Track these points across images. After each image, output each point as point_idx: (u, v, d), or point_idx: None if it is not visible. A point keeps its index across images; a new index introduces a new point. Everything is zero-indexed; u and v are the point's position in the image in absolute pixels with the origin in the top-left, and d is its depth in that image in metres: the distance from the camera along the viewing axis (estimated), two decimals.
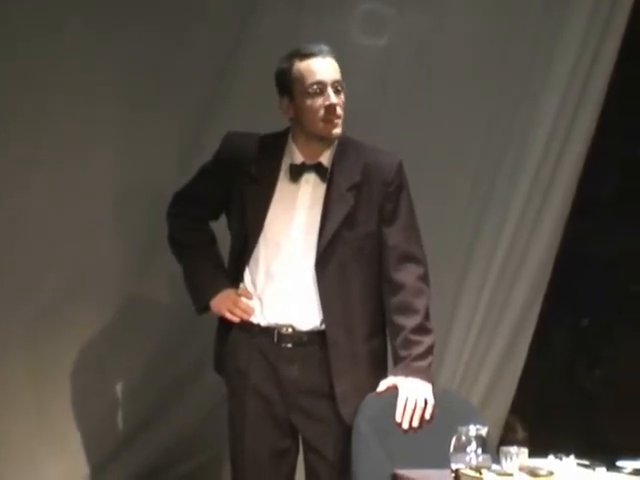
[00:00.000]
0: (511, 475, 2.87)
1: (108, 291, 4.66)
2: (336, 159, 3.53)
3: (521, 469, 2.96)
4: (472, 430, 2.96)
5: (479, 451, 2.95)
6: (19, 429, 4.64)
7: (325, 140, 3.49)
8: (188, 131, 4.67)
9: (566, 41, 5.25)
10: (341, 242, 3.47)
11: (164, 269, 4.48)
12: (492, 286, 5.01)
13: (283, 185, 3.53)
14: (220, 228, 3.84)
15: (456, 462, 2.95)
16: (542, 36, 5.27)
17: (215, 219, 3.76)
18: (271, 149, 3.57)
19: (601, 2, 5.24)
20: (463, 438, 2.96)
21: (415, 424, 3.37)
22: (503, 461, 3.02)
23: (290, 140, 3.55)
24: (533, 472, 2.94)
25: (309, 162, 3.52)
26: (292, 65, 3.47)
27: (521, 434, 5.33)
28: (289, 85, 3.48)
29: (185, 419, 4.78)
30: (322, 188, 3.51)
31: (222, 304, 3.59)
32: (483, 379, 5.05)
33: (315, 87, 3.44)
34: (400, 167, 3.56)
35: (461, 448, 2.95)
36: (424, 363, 3.43)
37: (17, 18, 4.70)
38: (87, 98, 4.72)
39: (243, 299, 3.56)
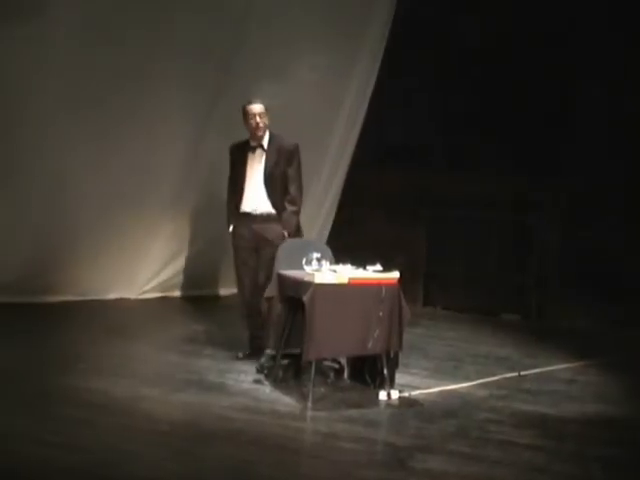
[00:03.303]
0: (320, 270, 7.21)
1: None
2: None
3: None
4: (314, 254, 7.37)
5: (316, 264, 7.25)
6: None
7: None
8: None
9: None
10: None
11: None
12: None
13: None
14: None
15: (307, 267, 7.30)
16: None
17: None
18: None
19: None
20: (311, 257, 7.34)
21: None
22: (306, 267, 7.21)
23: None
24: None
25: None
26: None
27: None
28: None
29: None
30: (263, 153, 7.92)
31: None
32: None
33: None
34: (295, 146, 8.02)
35: (309, 262, 7.34)
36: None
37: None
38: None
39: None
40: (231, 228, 8.05)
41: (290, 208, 7.94)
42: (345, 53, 11.38)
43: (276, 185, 7.92)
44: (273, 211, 7.93)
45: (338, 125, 11.80)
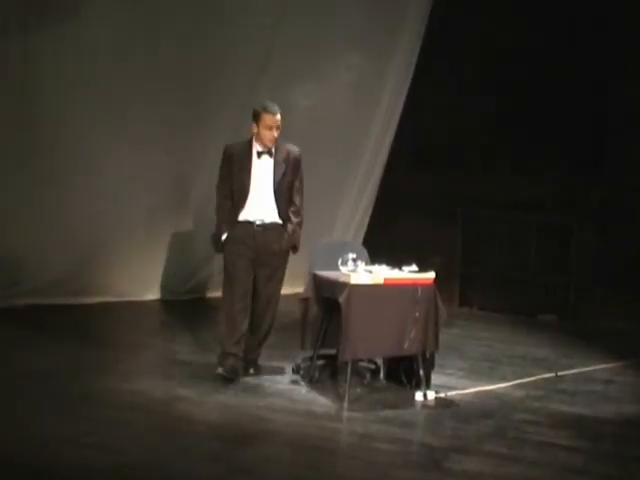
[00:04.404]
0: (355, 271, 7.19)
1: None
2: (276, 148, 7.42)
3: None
4: (350, 255, 7.37)
5: (352, 265, 7.24)
6: None
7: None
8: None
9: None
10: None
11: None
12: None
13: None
14: None
15: (343, 268, 7.27)
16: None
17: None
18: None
19: None
20: (347, 258, 7.35)
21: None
22: (342, 267, 7.18)
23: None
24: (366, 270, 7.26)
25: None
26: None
27: None
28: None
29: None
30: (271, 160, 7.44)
31: None
32: None
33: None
34: (300, 153, 7.55)
35: (344, 262, 7.34)
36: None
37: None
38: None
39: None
40: (225, 236, 7.42)
41: (295, 220, 7.47)
42: (381, 51, 11.38)
43: (284, 195, 7.42)
44: (279, 222, 7.43)
45: (374, 125, 11.79)
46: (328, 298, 7.22)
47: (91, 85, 9.55)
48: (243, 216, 7.39)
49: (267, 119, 7.32)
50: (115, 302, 10.26)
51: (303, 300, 7.48)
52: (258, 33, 10.27)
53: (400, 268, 7.34)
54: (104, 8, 9.41)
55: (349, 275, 7.09)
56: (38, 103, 9.30)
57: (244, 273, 7.39)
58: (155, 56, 9.79)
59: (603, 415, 7.04)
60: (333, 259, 7.41)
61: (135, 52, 9.69)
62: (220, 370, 7.32)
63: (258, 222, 7.38)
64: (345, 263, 7.30)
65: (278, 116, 7.33)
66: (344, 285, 7.01)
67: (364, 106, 11.57)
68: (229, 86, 10.21)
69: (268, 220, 7.40)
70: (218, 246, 7.53)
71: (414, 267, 7.34)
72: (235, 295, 7.39)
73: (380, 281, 7.12)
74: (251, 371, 7.57)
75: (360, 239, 11.71)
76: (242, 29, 10.15)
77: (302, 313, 7.47)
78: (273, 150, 7.42)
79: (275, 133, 7.32)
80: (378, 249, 8.22)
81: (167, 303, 10.73)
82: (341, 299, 6.92)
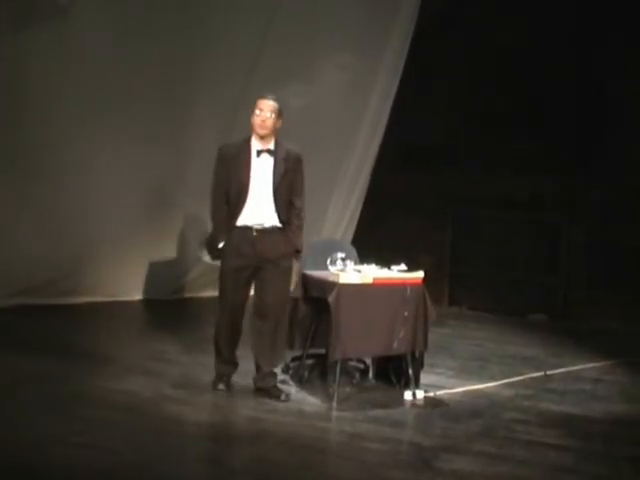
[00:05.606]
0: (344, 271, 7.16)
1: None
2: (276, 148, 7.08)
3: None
4: (339, 254, 7.35)
5: (341, 264, 7.23)
6: None
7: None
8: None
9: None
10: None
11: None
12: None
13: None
14: None
15: (332, 267, 7.24)
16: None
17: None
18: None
19: None
20: (336, 258, 7.33)
21: None
22: (331, 267, 7.16)
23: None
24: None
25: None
26: None
27: None
28: None
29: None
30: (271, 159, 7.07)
31: None
32: None
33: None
34: (301, 153, 7.19)
35: (333, 262, 7.32)
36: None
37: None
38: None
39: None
40: (221, 244, 6.97)
41: (297, 222, 7.04)
42: (372, 50, 11.37)
43: (283, 196, 6.97)
44: (279, 225, 6.96)
45: (364, 124, 11.79)
46: (317, 297, 7.21)
47: (81, 85, 9.53)
48: (241, 221, 6.91)
49: (258, 103, 6.92)
50: (105, 302, 10.26)
51: (292, 300, 7.46)
52: (250, 31, 10.26)
53: (389, 267, 7.34)
54: (94, 7, 9.37)
55: (338, 274, 7.08)
56: (28, 103, 9.28)
57: (239, 287, 7.01)
58: (145, 55, 9.77)
59: (592, 414, 7.05)
60: (322, 258, 7.39)
61: (125, 51, 9.68)
62: (221, 386, 7.12)
63: (257, 226, 6.92)
64: (334, 262, 7.28)
65: (270, 102, 6.92)
66: (333, 284, 7.00)
67: (354, 105, 11.57)
68: (220, 84, 10.20)
69: (268, 224, 6.94)
70: (214, 253, 7.14)
71: (403, 266, 7.34)
72: (227, 309, 7.10)
73: (369, 280, 7.12)
74: (282, 397, 6.99)
75: (349, 238, 11.71)
76: (234, 26, 10.14)
77: (291, 313, 7.45)
78: (273, 148, 6.97)
79: (264, 117, 6.85)
80: (367, 248, 8.21)
81: (156, 303, 10.71)
82: (330, 298, 6.91)
